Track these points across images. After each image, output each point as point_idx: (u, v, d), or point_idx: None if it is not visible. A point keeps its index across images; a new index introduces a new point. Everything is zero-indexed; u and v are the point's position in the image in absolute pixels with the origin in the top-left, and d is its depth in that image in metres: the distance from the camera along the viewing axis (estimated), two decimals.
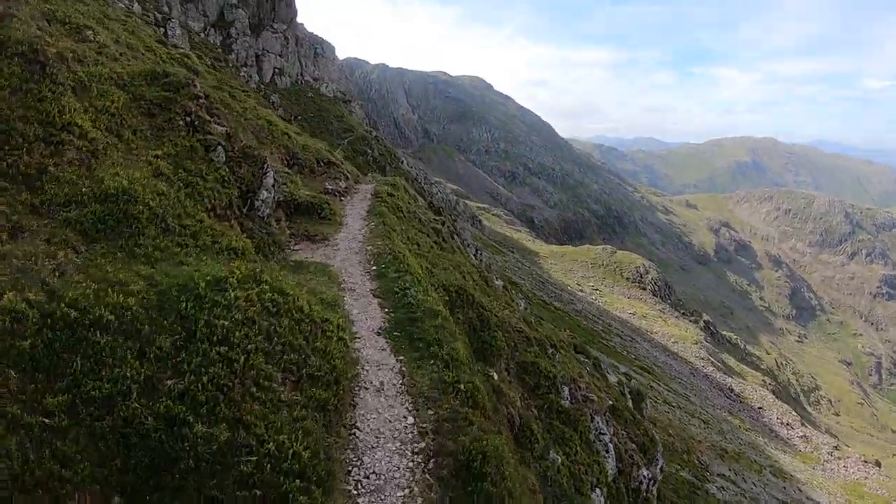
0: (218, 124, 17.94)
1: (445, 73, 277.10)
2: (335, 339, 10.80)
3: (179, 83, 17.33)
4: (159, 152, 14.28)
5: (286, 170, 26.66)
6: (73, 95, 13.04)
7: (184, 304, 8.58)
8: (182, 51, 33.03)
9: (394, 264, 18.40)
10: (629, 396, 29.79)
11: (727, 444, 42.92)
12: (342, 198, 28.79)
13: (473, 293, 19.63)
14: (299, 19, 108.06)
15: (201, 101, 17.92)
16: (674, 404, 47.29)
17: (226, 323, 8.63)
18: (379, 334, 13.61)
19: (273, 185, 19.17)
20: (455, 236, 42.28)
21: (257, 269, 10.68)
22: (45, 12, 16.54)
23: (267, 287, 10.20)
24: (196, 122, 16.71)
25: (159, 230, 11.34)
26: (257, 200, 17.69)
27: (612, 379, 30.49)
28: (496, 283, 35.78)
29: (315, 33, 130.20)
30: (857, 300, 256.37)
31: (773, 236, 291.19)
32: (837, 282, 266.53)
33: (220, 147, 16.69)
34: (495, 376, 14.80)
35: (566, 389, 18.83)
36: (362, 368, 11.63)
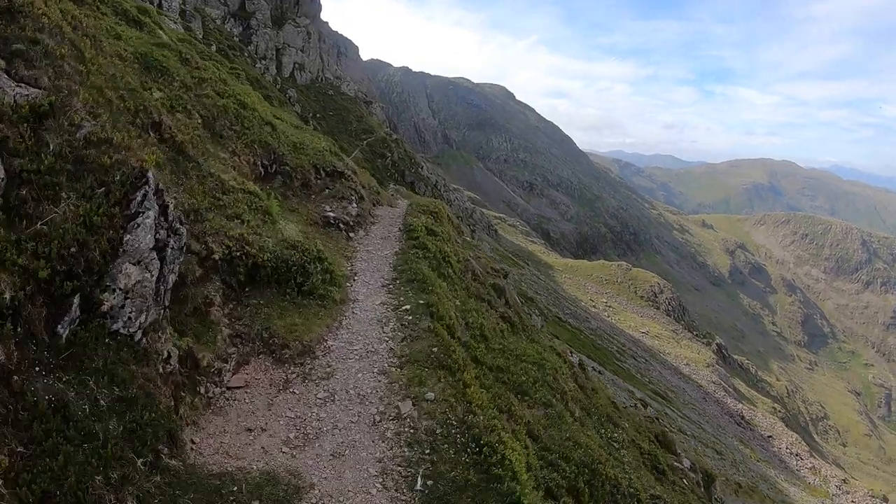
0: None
1: (467, 80, 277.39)
2: None
3: None
4: None
5: (249, 187, 15.26)
6: None
7: None
8: None
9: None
10: (701, 482, 26.20)
11: (741, 478, 42.56)
12: (352, 233, 19.77)
13: None
14: (323, 17, 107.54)
15: None
16: (688, 433, 46.95)
17: None
18: None
19: (170, 239, 9.30)
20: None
21: None
22: None
23: None
24: None
25: None
26: (105, 299, 7.92)
27: (686, 463, 26.34)
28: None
29: (339, 32, 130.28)
30: (870, 330, 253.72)
31: (789, 261, 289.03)
32: (851, 310, 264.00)
33: None
34: None
35: None
36: None
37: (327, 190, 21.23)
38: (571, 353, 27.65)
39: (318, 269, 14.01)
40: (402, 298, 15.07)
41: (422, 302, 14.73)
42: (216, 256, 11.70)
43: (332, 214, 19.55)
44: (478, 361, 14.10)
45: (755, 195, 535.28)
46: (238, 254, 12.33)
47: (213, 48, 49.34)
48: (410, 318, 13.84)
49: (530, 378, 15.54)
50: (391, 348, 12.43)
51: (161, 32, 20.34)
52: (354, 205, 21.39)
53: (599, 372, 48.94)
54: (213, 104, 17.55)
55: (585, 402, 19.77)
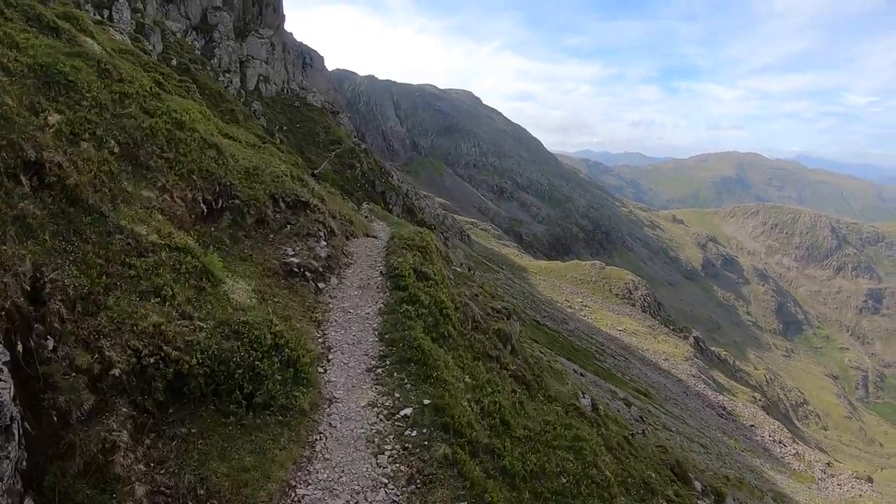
0: None
1: (434, 87, 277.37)
2: None
3: None
4: None
5: (178, 241, 11.59)
6: None
7: None
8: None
9: None
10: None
11: (728, 471, 42.21)
12: (322, 282, 16.03)
13: None
14: (287, 27, 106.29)
15: None
16: (673, 430, 46.56)
17: None
18: None
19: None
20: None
21: None
22: None
23: None
24: None
25: None
26: None
27: (697, 486, 24.99)
28: None
29: (304, 42, 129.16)
30: (844, 314, 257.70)
31: (760, 251, 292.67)
32: (824, 296, 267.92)
33: None
34: None
35: None
36: None
37: (289, 226, 17.21)
38: (583, 394, 25.25)
39: (276, 364, 10.02)
40: (397, 395, 11.35)
41: (427, 402, 11.08)
42: (117, 371, 7.69)
43: (295, 260, 15.56)
44: (507, 473, 11.08)
45: (723, 188, 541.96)
46: (152, 360, 8.23)
47: (174, 62, 48.02)
48: (415, 434, 10.16)
49: (570, 478, 12.52)
50: (394, 501, 8.64)
51: (88, 41, 16.45)
52: (324, 243, 17.46)
53: (581, 374, 48.38)
54: (138, 126, 13.53)
55: (622, 473, 16.83)
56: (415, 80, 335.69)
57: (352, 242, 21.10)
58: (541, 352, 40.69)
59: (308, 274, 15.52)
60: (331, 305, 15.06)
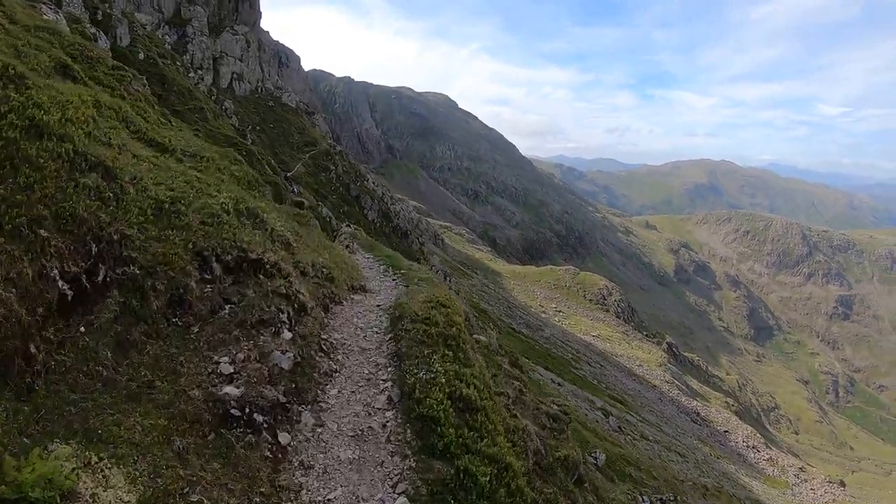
0: None
1: (410, 89, 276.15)
2: None
3: None
4: None
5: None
6: None
7: None
8: None
9: None
10: None
11: (706, 479, 41.58)
12: (284, 432, 8.64)
13: None
14: (264, 26, 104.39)
15: None
16: (651, 439, 45.87)
17: None
18: None
19: None
20: None
21: None
22: None
23: None
24: None
25: None
26: None
27: None
28: None
29: (280, 41, 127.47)
30: (814, 320, 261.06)
31: (732, 257, 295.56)
32: (795, 302, 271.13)
33: None
34: None
35: None
36: None
37: (228, 308, 9.89)
38: None
39: None
40: None
41: None
42: None
43: (234, 391, 8.20)
44: None
45: (696, 195, 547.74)
46: None
47: (141, 56, 46.13)
48: None
49: None
50: None
51: None
52: (287, 335, 10.20)
53: (559, 384, 47.52)
54: None
55: None
56: (391, 81, 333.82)
57: (334, 315, 14.07)
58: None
59: (258, 418, 8.19)
60: (303, 496, 7.78)
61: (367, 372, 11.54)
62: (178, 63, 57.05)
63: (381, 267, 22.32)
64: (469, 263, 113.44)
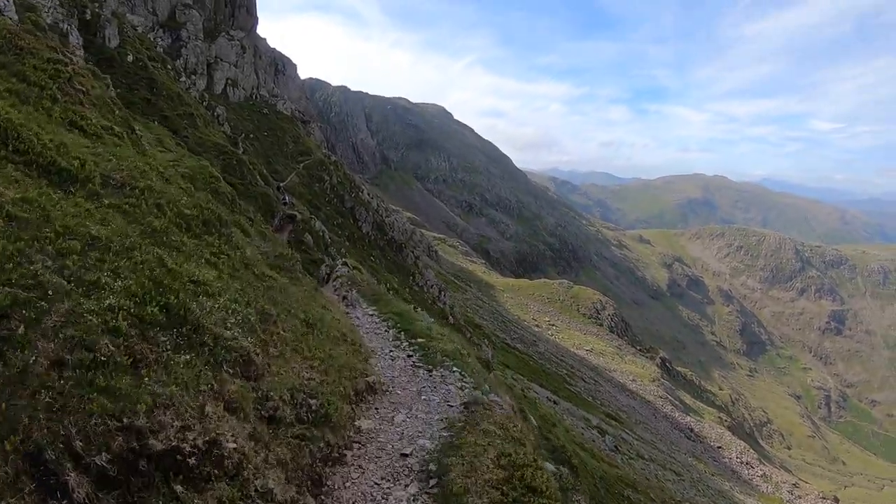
0: None
1: (406, 100, 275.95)
2: None
3: None
4: None
5: None
6: None
7: None
8: None
9: None
10: None
11: (702, 499, 41.26)
12: None
13: None
14: (261, 33, 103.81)
15: None
16: (647, 457, 45.44)
17: None
18: None
19: None
20: None
21: None
22: None
23: None
24: None
25: None
26: None
27: None
28: None
29: (277, 48, 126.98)
30: (807, 335, 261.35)
31: (725, 272, 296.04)
32: (787, 317, 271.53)
33: None
34: None
35: None
36: None
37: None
38: None
39: None
40: None
41: None
42: None
43: None
44: None
45: (690, 210, 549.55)
46: None
47: (130, 58, 45.03)
48: None
49: None
50: None
51: None
52: None
53: (554, 402, 47.05)
54: None
55: None
56: (387, 92, 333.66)
57: (331, 492, 8.09)
58: (514, 378, 39.43)
59: None
60: None
61: None
62: (168, 67, 55.57)
63: (391, 331, 16.67)
64: (463, 276, 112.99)
